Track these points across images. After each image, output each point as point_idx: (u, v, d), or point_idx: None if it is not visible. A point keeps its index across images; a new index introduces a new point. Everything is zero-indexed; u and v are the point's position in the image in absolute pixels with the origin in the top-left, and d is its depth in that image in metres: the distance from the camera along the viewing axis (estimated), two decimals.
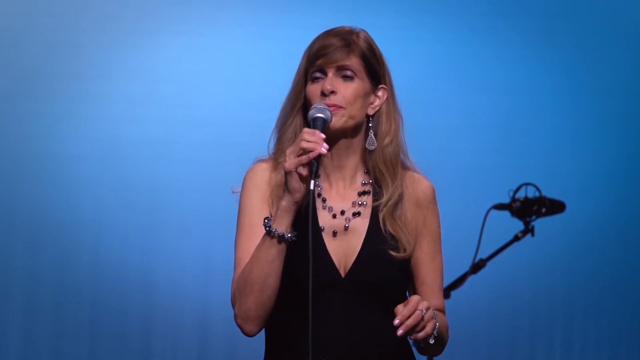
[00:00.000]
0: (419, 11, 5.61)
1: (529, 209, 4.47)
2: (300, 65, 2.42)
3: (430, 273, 2.43)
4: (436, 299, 2.43)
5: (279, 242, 2.24)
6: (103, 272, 5.08)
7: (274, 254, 2.24)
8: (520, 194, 4.51)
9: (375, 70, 2.42)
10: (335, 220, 2.38)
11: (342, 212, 2.38)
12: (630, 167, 5.75)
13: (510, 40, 5.68)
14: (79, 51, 5.12)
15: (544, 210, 4.49)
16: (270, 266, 2.24)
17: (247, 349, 5.12)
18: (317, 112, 2.30)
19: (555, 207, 4.52)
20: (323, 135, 2.24)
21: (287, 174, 2.23)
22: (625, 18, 5.82)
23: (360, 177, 2.43)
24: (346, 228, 2.35)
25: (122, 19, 5.17)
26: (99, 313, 5.08)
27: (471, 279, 4.35)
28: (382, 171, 2.40)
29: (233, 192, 2.43)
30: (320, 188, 2.39)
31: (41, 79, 5.07)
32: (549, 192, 4.57)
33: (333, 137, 2.35)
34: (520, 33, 5.70)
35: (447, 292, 4.20)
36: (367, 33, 2.44)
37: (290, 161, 2.22)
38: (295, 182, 2.22)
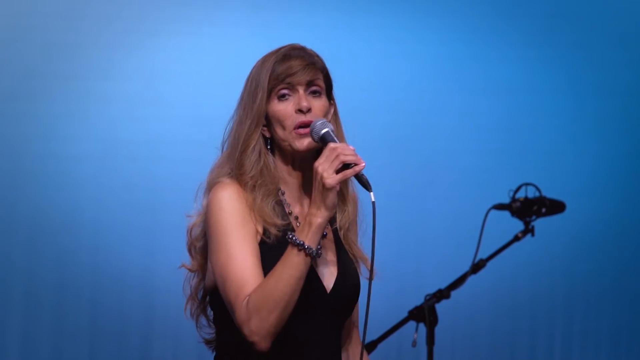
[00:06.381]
0: (419, 11, 5.61)
1: (529, 209, 4.46)
2: (259, 86, 2.39)
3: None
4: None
5: (309, 258, 2.22)
6: (103, 272, 5.08)
7: (304, 271, 2.21)
8: (520, 194, 4.51)
9: (330, 87, 2.44)
10: None
11: None
12: (630, 167, 5.75)
13: (510, 40, 5.67)
14: (79, 51, 5.12)
15: (544, 210, 4.48)
16: (298, 283, 2.21)
17: None
18: (324, 126, 2.29)
19: (555, 207, 4.52)
20: (353, 147, 2.23)
21: (327, 190, 2.19)
22: (625, 18, 5.82)
23: None
24: (319, 249, 2.31)
25: (122, 19, 5.16)
26: (99, 313, 5.08)
27: (471, 279, 4.34)
28: None
29: (187, 216, 2.41)
30: (290, 208, 2.38)
31: (41, 79, 5.07)
32: (549, 192, 4.57)
33: (306, 157, 2.34)
34: (520, 33, 5.70)
35: (447, 292, 4.19)
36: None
37: (333, 178, 2.18)
38: (335, 198, 2.21)
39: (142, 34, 5.19)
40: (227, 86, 5.46)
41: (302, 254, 2.21)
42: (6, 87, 5.04)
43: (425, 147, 5.60)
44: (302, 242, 2.21)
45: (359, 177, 2.21)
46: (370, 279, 2.27)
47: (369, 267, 2.32)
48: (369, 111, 5.46)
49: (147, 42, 5.20)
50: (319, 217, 2.22)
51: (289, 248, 2.22)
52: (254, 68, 2.44)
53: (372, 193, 2.21)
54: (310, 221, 2.22)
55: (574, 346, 5.65)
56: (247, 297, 2.23)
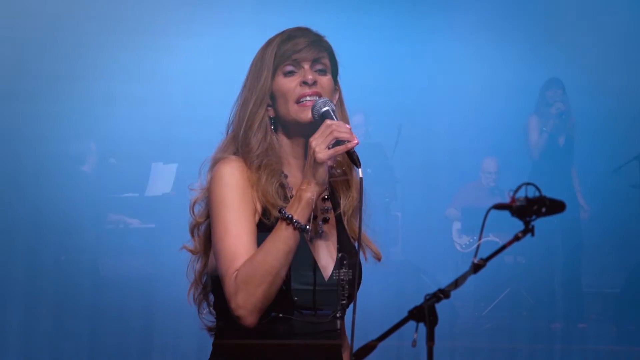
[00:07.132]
0: (419, 11, 5.62)
1: (529, 208, 4.46)
2: (263, 65, 2.37)
3: None
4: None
5: (299, 233, 2.20)
6: (103, 272, 5.09)
7: (293, 245, 2.21)
8: (520, 194, 4.51)
9: (336, 70, 2.42)
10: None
11: (314, 217, 2.33)
12: (631, 167, 5.76)
13: (511, 40, 5.69)
14: (81, 52, 5.13)
15: (544, 210, 4.48)
16: (286, 258, 2.20)
17: None
18: (325, 105, 2.28)
19: (555, 207, 4.51)
20: (349, 126, 2.23)
21: (318, 165, 2.19)
22: (625, 18, 5.83)
23: None
24: (320, 234, 2.31)
25: (124, 21, 5.18)
26: (99, 313, 5.08)
27: (471, 278, 4.35)
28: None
29: (191, 189, 2.39)
30: (292, 192, 2.34)
31: (43, 79, 5.08)
32: (549, 192, 4.58)
33: (307, 135, 2.30)
34: (521, 33, 5.71)
35: (447, 292, 4.20)
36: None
37: (325, 152, 2.19)
38: (325, 174, 2.21)
39: (144, 35, 5.21)
40: (227, 86, 5.49)
41: (290, 228, 2.20)
42: (7, 87, 5.05)
43: (425, 146, 5.61)
44: (290, 216, 2.20)
45: (350, 154, 2.20)
46: (357, 256, 2.26)
47: (374, 251, 2.32)
48: (369, 111, 5.47)
49: (148, 44, 5.22)
50: (309, 191, 2.21)
51: (279, 222, 2.21)
52: (258, 51, 2.42)
53: (360, 169, 2.20)
54: (300, 196, 2.22)
55: (574, 346, 5.66)
56: (237, 271, 2.23)
